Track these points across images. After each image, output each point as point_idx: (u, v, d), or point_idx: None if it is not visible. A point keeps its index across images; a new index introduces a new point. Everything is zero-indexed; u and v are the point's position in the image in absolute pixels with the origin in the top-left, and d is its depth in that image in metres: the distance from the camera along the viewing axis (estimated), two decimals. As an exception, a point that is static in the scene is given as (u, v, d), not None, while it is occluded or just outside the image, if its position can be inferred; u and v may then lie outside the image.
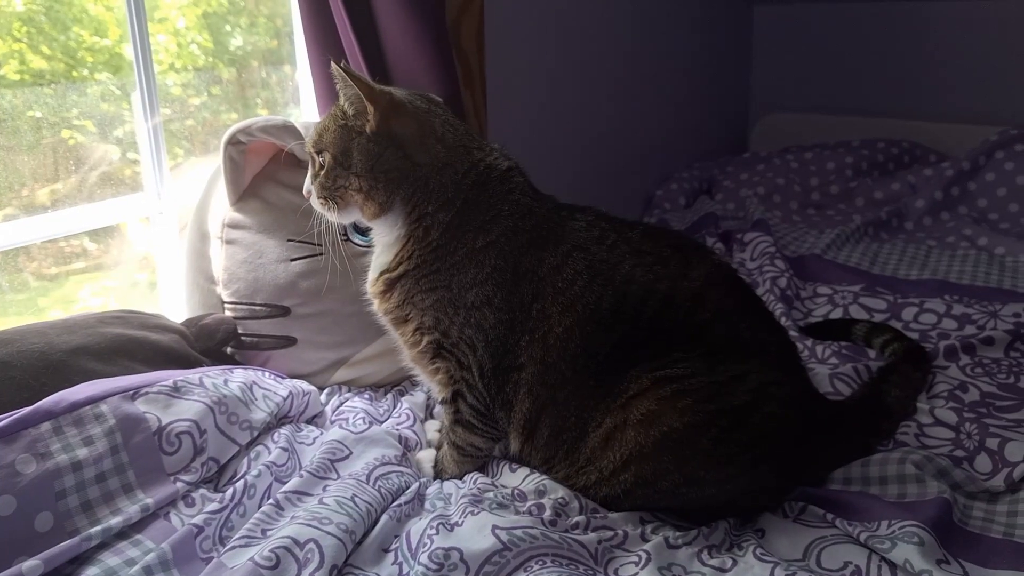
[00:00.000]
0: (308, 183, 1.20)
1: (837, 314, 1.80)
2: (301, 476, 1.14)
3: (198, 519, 1.04)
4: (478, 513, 1.06)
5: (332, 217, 1.19)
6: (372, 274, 1.24)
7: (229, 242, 1.45)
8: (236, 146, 1.40)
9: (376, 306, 1.25)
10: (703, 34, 2.95)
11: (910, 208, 2.38)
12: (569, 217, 1.19)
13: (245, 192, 1.45)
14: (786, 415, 1.12)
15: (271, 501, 1.08)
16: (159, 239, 1.68)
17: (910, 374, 1.42)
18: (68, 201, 1.56)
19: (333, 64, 1.11)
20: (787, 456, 1.13)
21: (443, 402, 1.25)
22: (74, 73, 1.55)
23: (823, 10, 3.05)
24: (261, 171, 1.46)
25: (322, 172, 1.17)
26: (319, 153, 1.17)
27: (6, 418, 1.04)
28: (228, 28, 1.82)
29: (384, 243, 1.22)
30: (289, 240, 1.43)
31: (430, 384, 1.29)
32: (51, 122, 1.53)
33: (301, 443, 1.26)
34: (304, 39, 1.68)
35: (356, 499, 1.08)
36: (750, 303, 1.21)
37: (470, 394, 1.20)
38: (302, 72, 1.86)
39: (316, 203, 1.19)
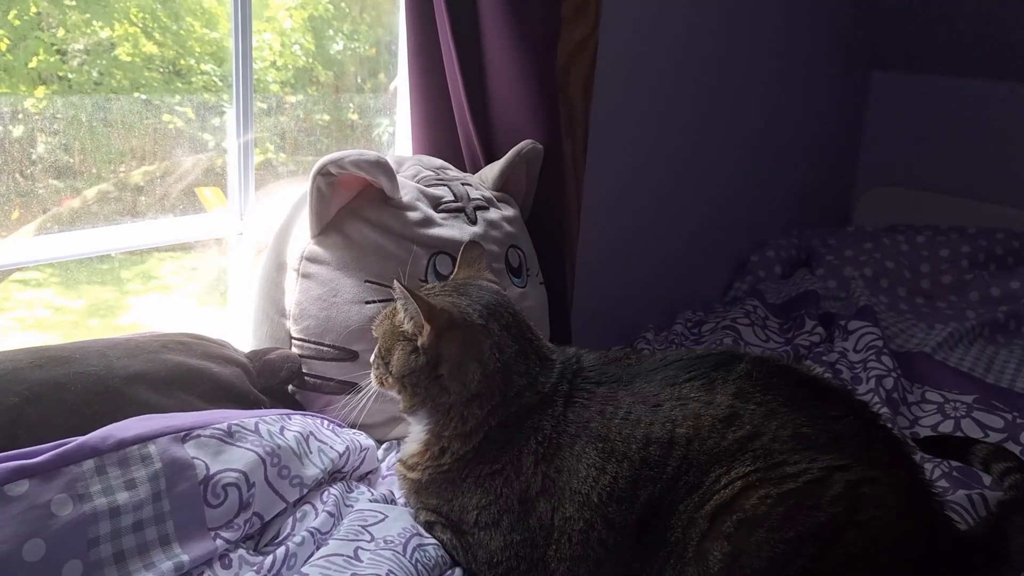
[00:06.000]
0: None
1: (947, 426, 1.62)
2: (327, 544, 1.04)
3: (231, 590, 0.95)
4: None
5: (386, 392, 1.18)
6: (404, 448, 1.19)
7: (305, 276, 1.37)
8: (325, 177, 1.33)
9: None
10: (815, 95, 2.80)
11: (1031, 311, 2.17)
12: (583, 406, 1.08)
13: (328, 226, 1.37)
14: (892, 518, 0.95)
15: None
16: (236, 260, 1.63)
17: (1038, 517, 1.24)
18: (160, 182, 1.58)
19: (396, 282, 1.08)
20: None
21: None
22: (181, 61, 1.58)
23: (946, 84, 2.86)
24: (347, 206, 1.38)
25: (373, 353, 1.17)
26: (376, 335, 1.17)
27: (49, 450, 0.97)
28: (331, 32, 1.84)
29: (416, 428, 1.17)
30: (367, 281, 1.35)
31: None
32: (154, 105, 1.56)
33: (349, 506, 1.16)
34: (407, 64, 1.62)
35: None
36: (804, 393, 1.04)
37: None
38: (401, 90, 1.81)
39: (372, 374, 1.18)
